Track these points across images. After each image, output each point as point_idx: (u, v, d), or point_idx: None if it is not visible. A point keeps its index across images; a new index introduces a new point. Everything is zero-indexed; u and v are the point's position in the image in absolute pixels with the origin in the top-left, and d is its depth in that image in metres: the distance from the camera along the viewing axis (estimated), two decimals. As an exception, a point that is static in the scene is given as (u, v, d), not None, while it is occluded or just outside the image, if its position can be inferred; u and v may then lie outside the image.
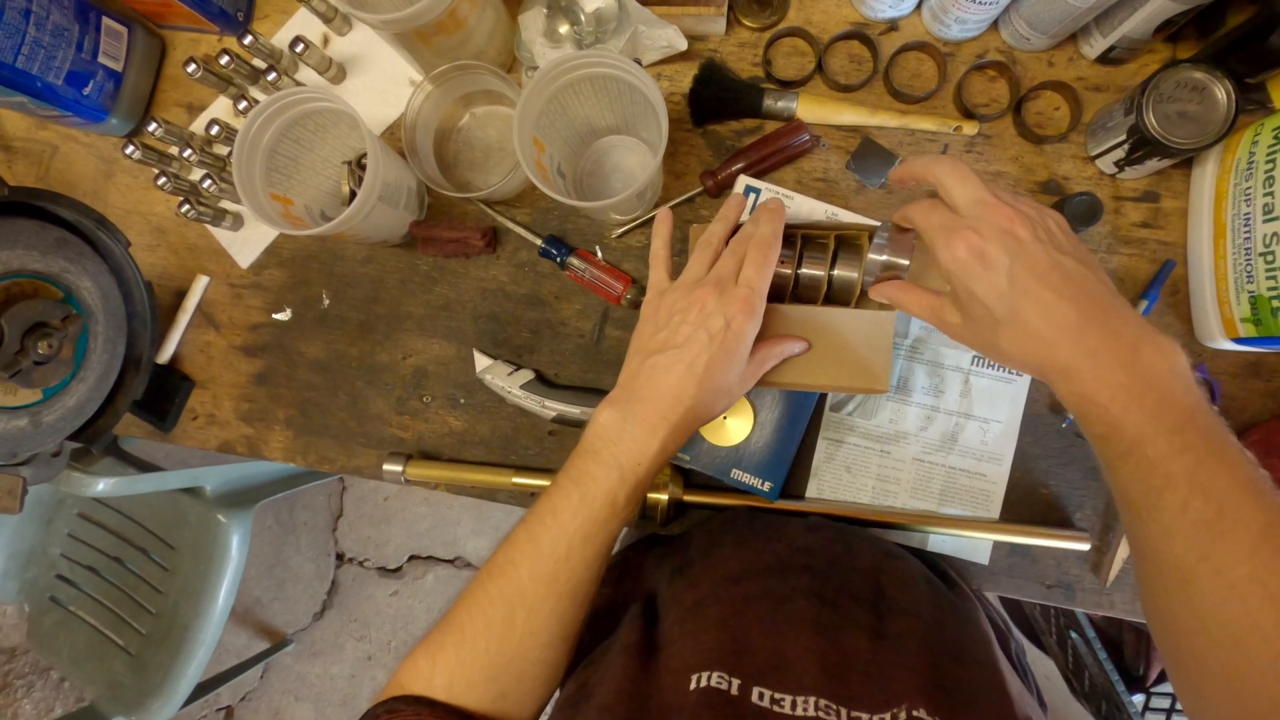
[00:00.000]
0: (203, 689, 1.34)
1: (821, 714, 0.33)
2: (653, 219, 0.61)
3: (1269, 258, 0.48)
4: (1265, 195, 0.48)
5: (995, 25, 0.58)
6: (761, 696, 0.34)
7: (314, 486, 1.59)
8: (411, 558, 1.60)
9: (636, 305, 0.61)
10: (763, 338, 0.47)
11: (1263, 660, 0.29)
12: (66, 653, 1.20)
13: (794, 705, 0.33)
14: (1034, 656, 1.28)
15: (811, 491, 0.60)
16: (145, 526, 1.21)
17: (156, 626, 1.17)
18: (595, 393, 0.61)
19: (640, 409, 0.42)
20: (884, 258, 0.46)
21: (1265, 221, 0.48)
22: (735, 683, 0.34)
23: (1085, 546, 0.55)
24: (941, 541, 0.59)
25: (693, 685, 0.34)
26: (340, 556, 1.62)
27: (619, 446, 0.42)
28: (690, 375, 0.42)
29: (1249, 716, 0.30)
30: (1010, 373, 0.57)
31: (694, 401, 0.42)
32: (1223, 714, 0.32)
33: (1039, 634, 1.04)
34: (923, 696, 0.34)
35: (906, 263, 0.46)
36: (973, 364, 0.58)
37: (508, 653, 0.40)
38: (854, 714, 0.33)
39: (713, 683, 0.34)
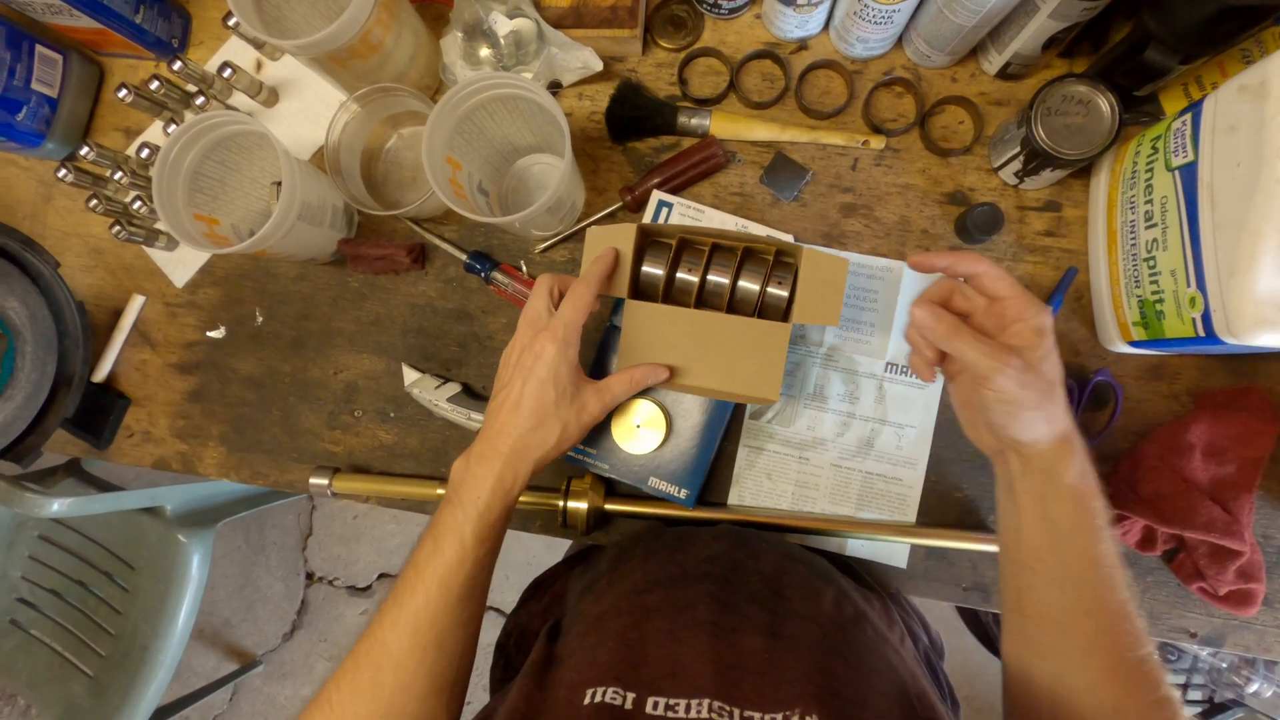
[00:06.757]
0: (170, 711, 1.33)
1: (714, 715, 0.33)
2: (577, 234, 0.63)
3: (1150, 263, 0.49)
4: (1146, 203, 0.50)
5: (900, 44, 0.61)
6: (655, 706, 0.34)
7: (282, 505, 1.59)
8: (381, 576, 1.60)
9: (559, 318, 0.62)
10: (638, 358, 0.52)
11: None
12: (26, 676, 1.19)
13: (687, 709, 0.33)
14: (984, 661, 1.29)
15: (733, 499, 0.61)
16: (106, 548, 1.20)
17: (116, 648, 1.16)
18: (521, 404, 0.62)
19: (479, 449, 0.46)
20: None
21: (1147, 228, 0.50)
22: (630, 696, 0.34)
23: (999, 549, 0.56)
24: (859, 546, 0.59)
25: (586, 700, 0.34)
26: (310, 576, 1.61)
27: (463, 487, 0.45)
28: (514, 410, 0.46)
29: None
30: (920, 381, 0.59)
31: (521, 432, 0.46)
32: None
33: (993, 639, 1.05)
34: (815, 701, 0.34)
35: None
36: (886, 371, 0.59)
37: (379, 713, 0.41)
38: (746, 714, 0.33)
39: (607, 698, 0.34)
